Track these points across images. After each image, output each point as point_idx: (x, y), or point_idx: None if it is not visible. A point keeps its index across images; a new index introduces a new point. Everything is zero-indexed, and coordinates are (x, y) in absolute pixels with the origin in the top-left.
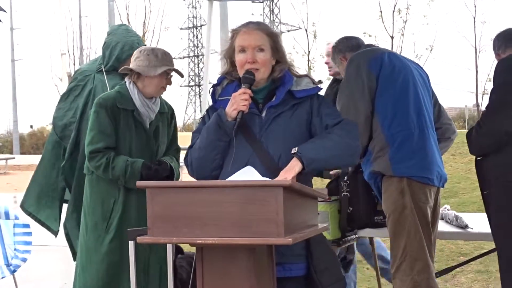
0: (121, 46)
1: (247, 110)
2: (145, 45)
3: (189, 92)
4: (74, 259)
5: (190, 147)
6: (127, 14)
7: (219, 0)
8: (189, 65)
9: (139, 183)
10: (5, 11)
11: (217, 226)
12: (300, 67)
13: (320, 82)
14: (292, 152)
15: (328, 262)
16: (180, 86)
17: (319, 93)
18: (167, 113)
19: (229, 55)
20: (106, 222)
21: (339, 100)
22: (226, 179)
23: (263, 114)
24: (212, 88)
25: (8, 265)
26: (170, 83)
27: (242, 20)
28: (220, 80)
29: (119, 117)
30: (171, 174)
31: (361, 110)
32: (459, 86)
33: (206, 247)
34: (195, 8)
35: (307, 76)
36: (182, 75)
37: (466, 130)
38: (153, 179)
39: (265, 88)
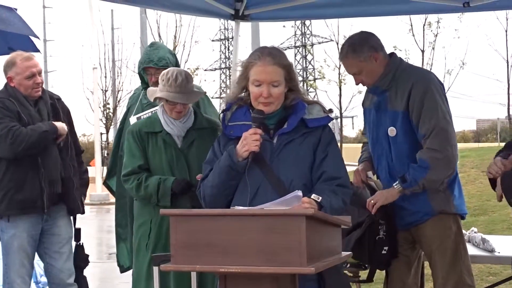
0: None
1: (258, 150)
2: (153, 61)
3: (220, 104)
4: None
5: (202, 179)
6: (158, 27)
7: (249, 21)
8: (220, 76)
9: (163, 211)
10: (38, 37)
11: (240, 255)
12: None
13: (330, 111)
14: (315, 198)
15: (339, 285)
16: (212, 97)
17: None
18: (207, 129)
19: (241, 81)
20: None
21: (432, 117)
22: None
23: (274, 140)
24: (221, 114)
25: (37, 282)
26: (180, 110)
27: (273, 36)
28: (229, 106)
29: (147, 140)
30: None
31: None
32: (491, 99)
33: (229, 275)
34: (227, 20)
35: (318, 103)
36: None
37: (499, 143)
38: (185, 192)
39: (277, 114)
